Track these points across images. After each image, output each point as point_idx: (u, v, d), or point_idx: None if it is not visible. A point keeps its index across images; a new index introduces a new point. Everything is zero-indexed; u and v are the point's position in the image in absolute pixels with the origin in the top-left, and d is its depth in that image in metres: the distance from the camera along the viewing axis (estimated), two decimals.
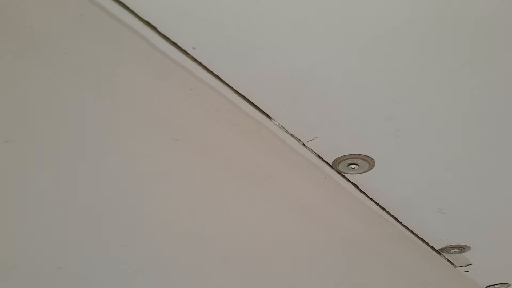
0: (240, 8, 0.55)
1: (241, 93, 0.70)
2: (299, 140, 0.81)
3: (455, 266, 1.34)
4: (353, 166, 0.86)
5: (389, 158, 0.83)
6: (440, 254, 1.25)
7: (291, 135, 0.79)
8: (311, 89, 0.69)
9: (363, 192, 0.96)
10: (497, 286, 1.50)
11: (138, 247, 1.04)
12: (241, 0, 0.53)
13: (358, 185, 0.93)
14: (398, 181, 0.90)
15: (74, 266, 1.12)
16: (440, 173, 0.88)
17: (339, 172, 0.89)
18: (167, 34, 0.60)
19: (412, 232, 1.13)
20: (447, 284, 1.55)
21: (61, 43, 0.63)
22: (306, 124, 0.77)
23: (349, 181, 0.92)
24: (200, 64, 0.65)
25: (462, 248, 1.20)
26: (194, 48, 0.62)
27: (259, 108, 0.74)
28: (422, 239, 1.16)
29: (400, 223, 1.08)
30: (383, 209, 1.02)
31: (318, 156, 0.85)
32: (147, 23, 0.59)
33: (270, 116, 0.76)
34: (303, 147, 0.82)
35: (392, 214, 1.05)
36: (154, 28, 0.59)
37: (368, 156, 0.83)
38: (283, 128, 0.78)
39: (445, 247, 1.20)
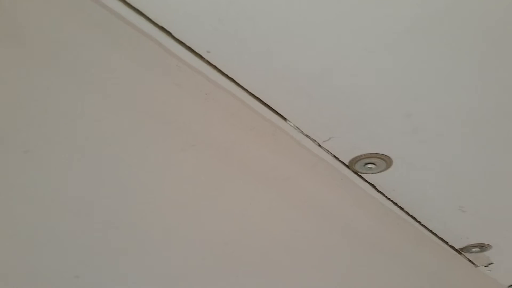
0: (254, 10, 0.55)
1: (256, 95, 0.70)
2: (314, 141, 0.80)
3: (476, 266, 1.31)
4: (370, 166, 0.85)
5: (406, 156, 0.83)
6: (460, 253, 1.23)
7: (307, 136, 0.79)
8: (326, 89, 0.69)
9: (381, 192, 0.95)
10: None
11: (162, 254, 1.04)
12: (255, 2, 0.54)
13: (375, 185, 0.92)
14: (416, 180, 0.89)
15: (91, 274, 1.13)
16: (459, 171, 0.87)
17: (355, 172, 0.89)
18: (182, 38, 0.61)
19: (431, 231, 1.11)
20: (468, 284, 1.52)
21: (77, 52, 0.63)
22: (321, 125, 0.76)
23: (366, 181, 0.91)
24: (214, 67, 0.65)
25: (483, 247, 1.18)
26: (208, 52, 0.63)
27: (274, 110, 0.74)
28: (441, 239, 1.15)
29: (419, 222, 1.07)
30: (401, 208, 1.01)
31: (334, 156, 0.84)
32: (162, 28, 0.60)
33: (285, 117, 0.76)
34: (319, 147, 0.82)
35: (411, 214, 1.03)
36: (169, 33, 0.60)
37: (385, 155, 0.82)
38: (298, 129, 0.78)
39: (466, 246, 1.18)
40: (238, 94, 0.71)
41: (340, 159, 0.85)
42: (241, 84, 0.68)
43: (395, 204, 0.99)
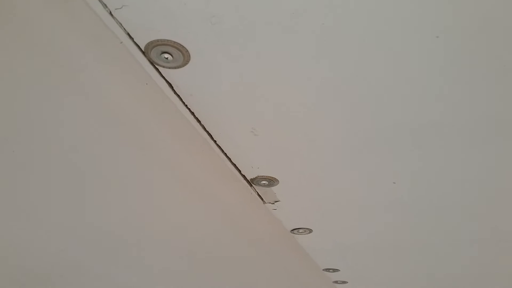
0: None
1: None
2: (105, 6, 0.71)
3: (264, 202, 1.39)
4: (166, 56, 0.79)
5: (206, 54, 0.79)
6: (251, 185, 1.28)
7: None
8: None
9: (178, 95, 0.91)
10: (300, 230, 1.63)
11: None
12: None
13: (172, 85, 0.88)
14: (212, 85, 0.87)
15: None
16: (254, 91, 0.87)
17: (152, 63, 0.82)
18: None
19: (226, 155, 1.13)
20: (257, 222, 1.63)
21: None
22: None
23: (163, 76, 0.85)
24: None
25: (271, 181, 1.24)
26: None
27: None
28: (235, 165, 1.17)
29: (215, 142, 1.07)
30: (199, 121, 0.99)
31: (129, 35, 0.76)
32: None
33: None
34: (110, 16, 0.72)
35: (208, 130, 1.02)
36: None
37: (182, 46, 0.77)
38: None
39: (256, 178, 1.23)
40: None
41: (135, 40, 0.77)
42: None
43: (193, 114, 0.97)
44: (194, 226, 1.62)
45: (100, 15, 0.73)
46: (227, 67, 0.82)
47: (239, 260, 1.90)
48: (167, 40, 0.76)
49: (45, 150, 1.16)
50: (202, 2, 0.68)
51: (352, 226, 1.60)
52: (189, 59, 0.80)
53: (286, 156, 1.11)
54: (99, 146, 1.16)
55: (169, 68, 0.83)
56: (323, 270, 2.05)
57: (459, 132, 0.98)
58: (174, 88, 0.89)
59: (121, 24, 0.74)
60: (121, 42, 0.88)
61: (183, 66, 0.82)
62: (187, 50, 0.78)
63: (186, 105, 0.93)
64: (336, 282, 2.26)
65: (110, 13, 0.71)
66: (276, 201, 1.38)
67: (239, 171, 1.19)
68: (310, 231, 1.62)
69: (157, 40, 0.77)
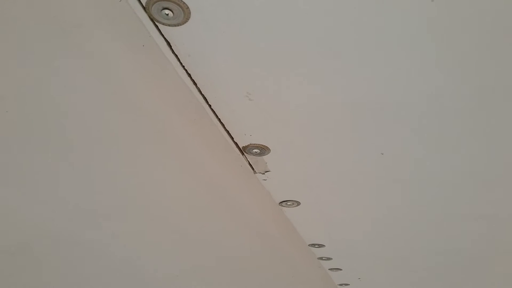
0: None
1: None
2: None
3: (255, 172, 1.42)
4: (167, 12, 0.80)
5: (206, 12, 0.81)
6: (243, 154, 1.30)
7: None
8: None
9: (176, 55, 0.92)
10: (288, 202, 1.66)
11: None
12: None
13: (171, 43, 0.89)
14: (211, 44, 0.88)
15: None
16: (254, 49, 0.89)
17: (152, 19, 0.83)
18: None
19: (220, 120, 1.15)
20: (246, 193, 1.66)
21: None
22: None
23: (162, 35, 0.87)
24: None
25: (262, 149, 1.27)
26: None
27: None
28: (228, 132, 1.19)
29: (210, 106, 1.09)
30: (195, 83, 1.01)
31: None
32: None
33: None
34: None
35: (203, 93, 1.04)
36: None
37: (184, 2, 0.79)
38: None
39: (248, 146, 1.25)
40: None
41: None
42: None
43: (189, 76, 0.98)
44: (182, 196, 1.65)
45: None
46: (227, 27, 0.84)
47: (226, 233, 1.94)
48: None
49: (36, 113, 1.16)
50: None
51: (340, 200, 1.64)
52: (189, 17, 0.81)
53: (278, 123, 1.13)
54: (89, 110, 1.17)
55: (169, 25, 0.84)
56: (308, 245, 2.10)
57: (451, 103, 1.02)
58: (172, 47, 0.90)
59: None
60: (120, 0, 0.89)
61: (183, 24, 0.83)
62: (188, 7, 0.79)
63: (183, 66, 0.95)
64: (321, 258, 2.31)
65: None
66: (266, 171, 1.41)
67: (232, 138, 1.21)
68: (298, 203, 1.66)
69: None
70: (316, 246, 2.11)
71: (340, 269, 2.51)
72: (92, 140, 1.28)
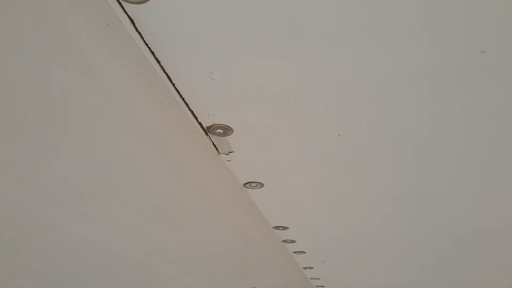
0: None
1: None
2: None
3: (219, 153, 1.46)
4: None
5: None
6: (207, 134, 1.34)
7: None
8: None
9: (139, 32, 0.95)
10: (252, 184, 1.71)
11: None
12: None
13: (134, 21, 0.91)
14: (174, 23, 0.91)
15: None
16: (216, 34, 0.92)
17: None
18: None
19: (183, 100, 1.18)
20: (210, 175, 1.70)
21: None
22: None
23: (126, 12, 0.89)
24: None
25: (226, 130, 1.31)
26: None
27: None
28: (192, 112, 1.23)
29: (173, 85, 1.12)
30: (158, 62, 1.04)
31: None
32: None
33: None
34: None
35: (166, 71, 1.07)
36: None
37: None
38: None
39: (212, 126, 1.29)
40: None
41: None
42: None
43: (153, 54, 1.01)
44: (148, 177, 1.67)
45: None
46: (189, 5, 0.87)
47: (190, 214, 1.97)
48: None
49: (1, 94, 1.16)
50: None
51: (303, 182, 1.71)
52: None
53: (240, 104, 1.18)
54: (55, 87, 1.18)
55: (132, 3, 0.86)
56: (273, 227, 2.16)
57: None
58: (136, 25, 0.92)
59: None
60: None
61: (146, 1, 0.86)
62: None
63: (147, 44, 0.98)
64: (285, 241, 2.38)
65: None
66: (230, 152, 1.45)
67: (196, 118, 1.25)
68: (262, 185, 1.71)
69: None
70: (280, 228, 2.18)
71: (304, 252, 2.59)
72: (57, 119, 1.29)
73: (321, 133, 1.32)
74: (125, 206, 1.81)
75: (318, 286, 3.61)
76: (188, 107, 1.21)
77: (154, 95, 1.29)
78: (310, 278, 3.36)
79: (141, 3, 0.86)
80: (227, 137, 1.36)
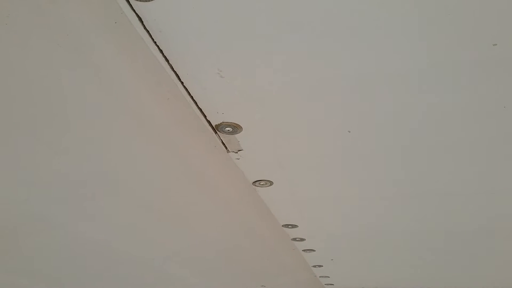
0: None
1: None
2: None
3: (228, 151, 1.46)
4: None
5: None
6: (216, 132, 1.34)
7: None
8: None
9: (147, 31, 0.94)
10: (261, 182, 1.71)
11: None
12: None
13: (142, 19, 0.91)
14: (183, 20, 0.91)
15: None
16: (225, 29, 0.92)
17: None
18: None
19: (192, 98, 1.17)
20: (220, 173, 1.69)
21: None
22: None
23: (134, 10, 0.89)
24: None
25: (235, 128, 1.30)
26: None
27: None
28: (201, 110, 1.22)
29: (182, 83, 1.11)
30: (167, 60, 1.03)
31: None
32: None
33: None
34: None
35: (175, 70, 1.06)
36: None
37: None
38: None
39: (221, 124, 1.28)
40: None
41: None
42: None
43: (161, 52, 1.00)
44: (157, 177, 1.67)
45: None
46: (197, 2, 0.86)
47: (198, 213, 1.97)
48: None
49: (9, 90, 1.16)
50: None
51: (312, 180, 1.69)
52: None
53: (250, 102, 1.17)
54: (63, 86, 1.18)
55: (140, 1, 0.86)
56: (282, 226, 2.15)
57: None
58: (144, 23, 0.92)
59: None
60: None
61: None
62: None
63: (155, 42, 0.97)
64: (294, 239, 2.37)
65: None
66: (239, 150, 1.44)
67: (205, 116, 1.24)
68: (271, 183, 1.70)
69: None
70: (289, 226, 2.17)
71: (314, 250, 2.58)
72: (64, 118, 1.29)
73: (330, 130, 1.31)
74: (133, 205, 1.81)
75: (328, 284, 3.59)
76: (197, 105, 1.20)
77: (162, 93, 1.29)
78: (320, 276, 3.35)
79: (149, 0, 0.86)
80: (236, 135, 1.35)
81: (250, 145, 1.41)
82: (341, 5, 0.85)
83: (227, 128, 1.30)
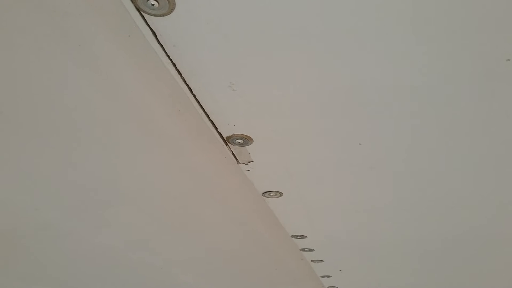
0: None
1: None
2: None
3: (238, 162, 1.45)
4: (152, 2, 0.83)
5: (191, 1, 0.84)
6: (227, 144, 1.34)
7: None
8: None
9: (161, 45, 0.95)
10: (271, 193, 1.70)
11: None
12: None
13: (156, 33, 0.91)
14: (196, 36, 0.91)
15: None
16: (237, 40, 0.92)
17: (138, 9, 0.86)
18: None
19: (204, 110, 1.18)
20: (230, 184, 1.69)
21: None
22: None
23: (148, 24, 0.89)
24: None
25: (246, 140, 1.30)
26: None
27: None
28: (212, 122, 1.23)
29: (194, 96, 1.12)
30: (180, 73, 1.04)
31: None
32: None
33: None
34: None
35: (187, 82, 1.07)
36: None
37: None
38: None
39: (232, 136, 1.28)
40: None
41: None
42: None
43: (174, 65, 1.01)
44: (167, 187, 1.67)
45: None
46: (211, 17, 0.87)
47: (210, 224, 1.97)
48: None
49: (20, 100, 1.17)
50: None
51: (322, 192, 1.69)
52: (174, 7, 0.84)
53: (261, 114, 1.17)
54: (74, 96, 1.19)
55: (154, 15, 0.87)
56: (291, 236, 2.14)
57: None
58: (158, 37, 0.92)
59: None
60: None
61: (168, 14, 0.86)
62: None
63: (168, 56, 0.97)
64: (303, 249, 2.36)
65: None
66: (250, 161, 1.44)
67: (216, 128, 1.25)
68: (281, 194, 1.70)
69: None
70: (298, 237, 2.16)
71: (322, 261, 2.56)
72: (76, 127, 1.30)
73: (342, 143, 1.30)
74: (143, 214, 1.82)
75: None
76: (208, 118, 1.20)
77: (173, 105, 1.29)
78: (328, 287, 3.32)
79: (163, 15, 0.86)
80: (247, 147, 1.35)
81: (260, 156, 1.41)
82: (360, 21, 0.85)
83: (238, 140, 1.30)
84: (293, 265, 2.75)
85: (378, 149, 1.33)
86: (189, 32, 0.91)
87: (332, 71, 1.00)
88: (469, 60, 0.94)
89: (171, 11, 0.85)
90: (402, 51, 0.93)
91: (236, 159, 1.44)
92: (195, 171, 1.63)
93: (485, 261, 2.52)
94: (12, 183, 1.50)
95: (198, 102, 1.14)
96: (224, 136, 1.30)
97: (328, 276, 2.96)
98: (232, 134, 1.28)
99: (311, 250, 2.37)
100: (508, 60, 0.93)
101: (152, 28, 0.90)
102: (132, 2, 0.85)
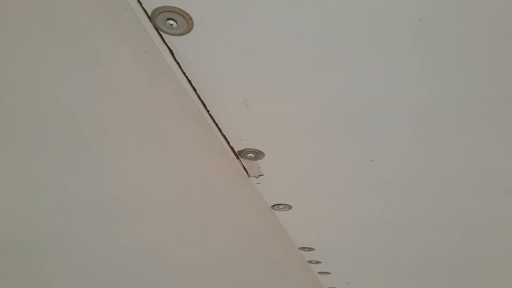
0: None
1: None
2: None
3: (249, 176, 1.46)
4: (171, 22, 0.85)
5: (208, 23, 0.85)
6: (238, 158, 1.35)
7: None
8: None
9: (178, 63, 0.96)
10: (280, 206, 1.71)
11: None
12: None
13: (173, 51, 0.93)
14: (212, 56, 0.93)
15: None
16: (252, 54, 0.94)
17: (156, 28, 0.88)
18: None
19: (217, 125, 1.19)
20: (240, 196, 1.70)
21: None
22: None
23: (166, 43, 0.91)
24: None
25: (257, 154, 1.31)
26: None
27: None
28: (224, 137, 1.24)
29: (208, 111, 1.13)
30: (194, 90, 1.05)
31: (138, 0, 0.81)
32: None
33: None
34: None
35: (202, 99, 1.08)
36: None
37: (188, 14, 0.83)
38: None
39: (243, 150, 1.29)
40: None
41: (143, 5, 0.82)
42: None
43: (190, 82, 1.02)
44: (177, 198, 1.68)
45: None
46: (227, 37, 0.88)
47: (219, 235, 1.97)
48: (174, 7, 0.82)
49: (35, 112, 1.19)
50: None
51: (330, 205, 1.69)
52: (192, 27, 0.86)
53: (273, 130, 1.18)
54: (89, 109, 1.20)
55: (172, 35, 0.88)
56: (298, 248, 2.14)
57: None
58: (174, 55, 0.94)
59: None
60: (125, 9, 0.92)
61: (186, 33, 0.87)
62: (191, 18, 0.84)
63: (184, 73, 0.99)
64: (310, 261, 2.35)
65: None
66: (260, 175, 1.45)
67: (228, 142, 1.26)
68: (290, 207, 1.70)
69: (164, 7, 0.82)
70: (306, 249, 2.16)
71: (329, 273, 2.55)
72: (88, 139, 1.31)
73: (353, 159, 1.31)
74: (150, 226, 1.83)
75: None
76: (221, 132, 1.21)
77: (186, 119, 1.30)
78: None
79: (181, 35, 0.88)
80: (258, 161, 1.36)
81: (271, 170, 1.42)
82: (371, 42, 0.86)
83: (250, 154, 1.31)
84: (300, 277, 2.74)
85: (389, 167, 1.33)
86: (205, 51, 0.92)
87: (345, 90, 1.01)
88: (474, 84, 0.94)
89: (189, 31, 0.87)
90: (412, 74, 0.94)
91: (247, 173, 1.45)
92: (204, 183, 1.64)
93: (490, 282, 2.50)
94: (15, 191, 1.51)
95: (212, 117, 1.15)
96: (236, 150, 1.31)
97: None
98: (244, 148, 1.29)
99: (318, 262, 2.37)
100: None
101: (170, 46, 0.92)
102: (151, 21, 0.86)
